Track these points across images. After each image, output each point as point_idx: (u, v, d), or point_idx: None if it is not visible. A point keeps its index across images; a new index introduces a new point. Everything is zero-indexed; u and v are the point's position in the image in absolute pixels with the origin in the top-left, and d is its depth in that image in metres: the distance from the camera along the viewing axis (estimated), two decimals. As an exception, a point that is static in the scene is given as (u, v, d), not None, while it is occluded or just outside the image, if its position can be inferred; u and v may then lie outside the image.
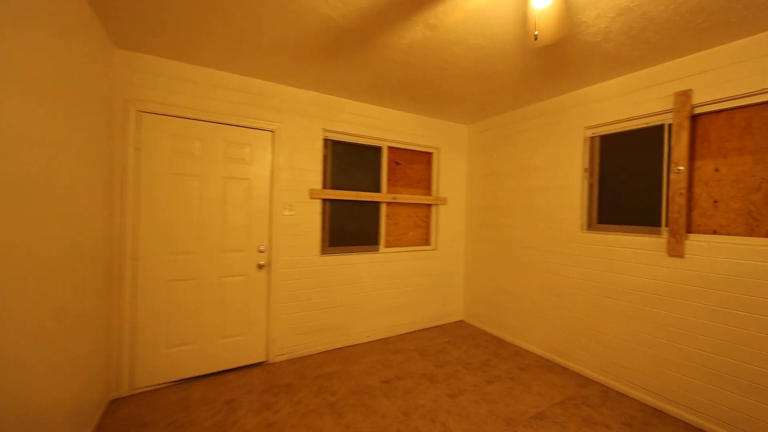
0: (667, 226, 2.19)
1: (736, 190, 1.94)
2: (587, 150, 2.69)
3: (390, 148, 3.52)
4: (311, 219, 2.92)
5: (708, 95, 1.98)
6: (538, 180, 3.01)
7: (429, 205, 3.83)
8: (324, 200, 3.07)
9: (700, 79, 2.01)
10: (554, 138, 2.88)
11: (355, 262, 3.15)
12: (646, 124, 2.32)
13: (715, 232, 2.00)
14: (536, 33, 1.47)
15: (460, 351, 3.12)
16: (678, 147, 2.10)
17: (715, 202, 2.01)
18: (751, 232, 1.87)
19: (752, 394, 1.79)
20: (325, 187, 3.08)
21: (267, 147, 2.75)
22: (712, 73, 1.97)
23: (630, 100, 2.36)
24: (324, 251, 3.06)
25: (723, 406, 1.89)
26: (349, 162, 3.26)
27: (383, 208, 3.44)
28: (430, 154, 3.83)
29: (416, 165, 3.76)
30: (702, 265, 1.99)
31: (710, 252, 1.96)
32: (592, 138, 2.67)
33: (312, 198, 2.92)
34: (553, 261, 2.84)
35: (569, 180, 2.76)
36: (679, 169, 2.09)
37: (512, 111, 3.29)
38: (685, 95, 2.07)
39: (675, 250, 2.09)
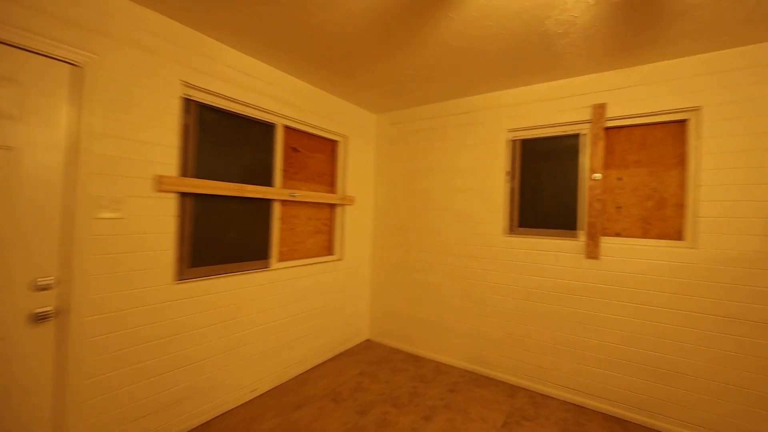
0: (584, 229, 2.33)
1: (634, 197, 2.19)
2: (509, 153, 2.68)
3: (287, 128, 2.68)
4: (158, 225, 1.80)
5: (618, 111, 2.19)
6: (459, 181, 2.85)
7: (333, 206, 3.17)
8: (183, 195, 1.97)
9: (613, 95, 2.21)
10: (476, 138, 2.78)
11: (233, 288, 2.18)
12: (565, 132, 2.45)
13: (618, 235, 2.23)
14: None
15: (380, 383, 2.63)
16: (595, 156, 2.25)
17: (619, 207, 2.24)
18: (645, 234, 2.15)
19: (657, 378, 2.04)
20: (185, 174, 1.98)
21: (63, 93, 1.49)
22: (621, 91, 2.18)
23: (551, 107, 2.44)
24: (181, 276, 1.96)
25: (634, 393, 2.12)
26: (228, 140, 2.25)
27: (276, 209, 2.57)
28: (335, 142, 3.18)
29: (318, 155, 3.04)
30: (614, 265, 2.18)
31: (620, 253, 2.16)
32: (514, 141, 2.68)
33: (161, 191, 1.80)
34: (475, 266, 2.73)
35: (492, 182, 2.70)
36: (597, 177, 2.24)
37: (431, 104, 3.06)
38: (601, 108, 2.23)
39: (592, 252, 2.24)
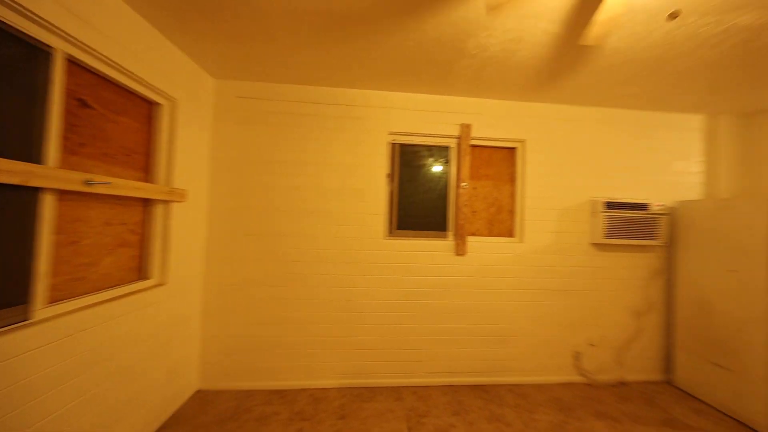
0: (452, 230, 2.74)
1: (484, 204, 2.81)
2: (389, 155, 2.75)
3: (73, 63, 1.55)
4: None
5: (478, 132, 2.72)
6: (337, 180, 2.64)
7: (149, 203, 2.14)
8: None
9: (476, 118, 2.72)
10: (358, 135, 2.66)
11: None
12: (438, 143, 2.78)
13: (473, 234, 2.78)
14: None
15: (254, 447, 2.02)
16: (464, 168, 2.70)
17: (474, 212, 2.80)
18: (490, 233, 2.81)
19: (500, 344, 2.71)
20: None
21: None
22: (481, 117, 2.73)
23: (429, 118, 2.71)
24: None
25: (487, 360, 2.72)
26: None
27: (47, 206, 1.44)
28: (155, 105, 2.15)
29: (126, 120, 1.97)
30: (475, 259, 2.70)
31: (477, 249, 2.70)
32: (394, 144, 2.77)
33: None
34: (354, 272, 2.62)
35: (373, 184, 2.67)
36: (464, 186, 2.69)
37: (304, 85, 2.64)
38: (468, 127, 2.70)
39: (460, 250, 2.67)
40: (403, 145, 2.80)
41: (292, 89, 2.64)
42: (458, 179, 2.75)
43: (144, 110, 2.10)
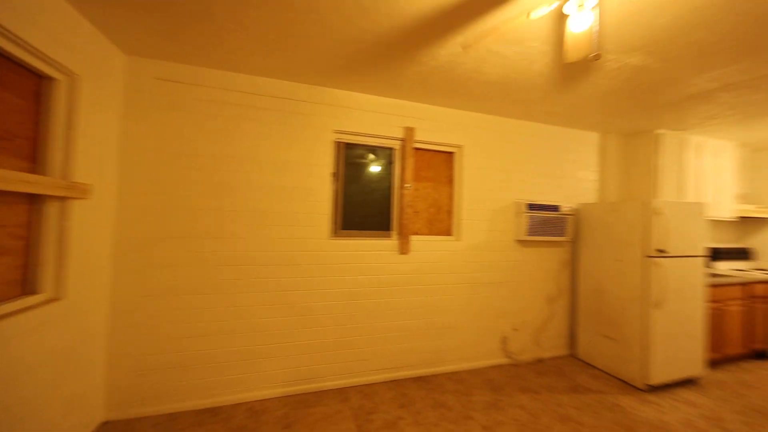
0: (396, 230, 2.83)
1: (425, 204, 2.97)
2: (334, 154, 2.71)
3: None
4: None
5: (421, 136, 2.86)
6: (278, 177, 2.51)
7: (38, 199, 1.78)
8: None
9: (419, 123, 2.85)
10: (301, 131, 2.57)
11: None
12: (383, 144, 2.84)
13: (415, 234, 2.93)
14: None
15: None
16: (408, 169, 2.81)
17: (416, 212, 2.94)
18: (431, 232, 2.99)
19: (439, 336, 2.89)
20: None
21: None
22: (424, 121, 2.87)
23: (375, 119, 2.75)
24: None
25: (428, 352, 2.88)
26: None
27: None
28: (46, 80, 1.78)
29: (4, 94, 1.60)
30: (417, 257, 2.84)
31: (420, 247, 2.85)
32: (339, 143, 2.74)
33: None
34: (298, 275, 2.54)
35: (317, 183, 2.61)
36: (408, 187, 2.80)
37: (239, 73, 2.44)
38: (411, 131, 2.82)
39: (404, 249, 2.79)
40: (348, 145, 2.78)
41: (225, 76, 2.41)
42: (402, 180, 2.84)
43: (32, 85, 1.70)
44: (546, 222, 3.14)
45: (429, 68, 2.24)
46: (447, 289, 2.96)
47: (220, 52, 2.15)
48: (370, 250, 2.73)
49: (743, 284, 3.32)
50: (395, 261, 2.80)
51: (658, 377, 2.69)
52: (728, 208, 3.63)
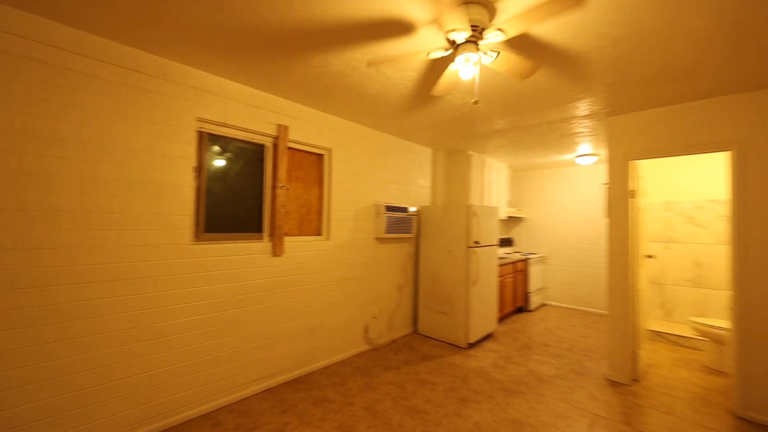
0: (268, 231, 2.79)
1: (296, 205, 3.05)
2: (197, 145, 2.42)
3: None
4: None
5: (294, 136, 2.91)
6: (118, 169, 2.02)
7: None
8: None
9: (293, 122, 2.89)
10: (153, 112, 2.14)
11: None
12: (253, 139, 2.71)
13: (287, 234, 2.97)
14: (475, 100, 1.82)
15: None
16: (281, 168, 2.80)
17: (287, 212, 2.99)
18: (301, 233, 3.09)
19: (312, 334, 3.00)
20: None
21: None
22: (298, 120, 2.92)
23: (247, 112, 2.60)
24: None
25: (303, 353, 2.93)
26: None
27: None
28: None
29: None
30: (291, 258, 2.88)
31: (292, 248, 2.91)
32: (202, 133, 2.45)
33: None
34: (149, 290, 2.13)
35: (178, 177, 2.27)
36: (283, 187, 2.81)
37: (65, 25, 1.83)
38: (286, 129, 2.83)
39: (278, 251, 2.78)
40: (214, 136, 2.51)
41: (47, 26, 1.75)
42: (275, 179, 2.79)
43: None
44: (399, 221, 3.75)
45: (318, 72, 2.33)
46: (318, 288, 3.10)
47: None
48: (240, 255, 2.56)
49: (513, 263, 4.95)
50: (268, 264, 2.72)
51: (474, 336, 3.71)
52: (504, 210, 5.31)
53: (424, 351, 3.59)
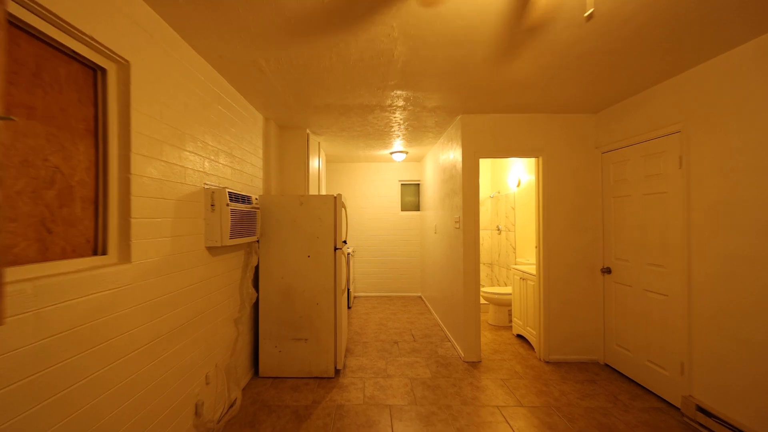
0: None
1: (27, 178, 1.21)
2: None
3: None
4: None
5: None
6: None
7: None
8: None
9: None
10: None
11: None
12: None
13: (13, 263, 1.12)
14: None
15: None
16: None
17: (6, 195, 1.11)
18: (44, 254, 1.28)
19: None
20: None
21: None
22: None
23: None
24: None
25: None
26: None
27: None
28: None
29: None
30: (25, 327, 1.08)
31: (30, 301, 1.12)
32: None
33: None
34: None
35: None
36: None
37: None
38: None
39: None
40: None
41: None
42: None
43: None
44: (243, 218, 2.36)
45: None
46: (104, 376, 1.34)
47: None
48: None
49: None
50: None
51: (342, 358, 2.93)
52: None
53: (287, 403, 2.46)
